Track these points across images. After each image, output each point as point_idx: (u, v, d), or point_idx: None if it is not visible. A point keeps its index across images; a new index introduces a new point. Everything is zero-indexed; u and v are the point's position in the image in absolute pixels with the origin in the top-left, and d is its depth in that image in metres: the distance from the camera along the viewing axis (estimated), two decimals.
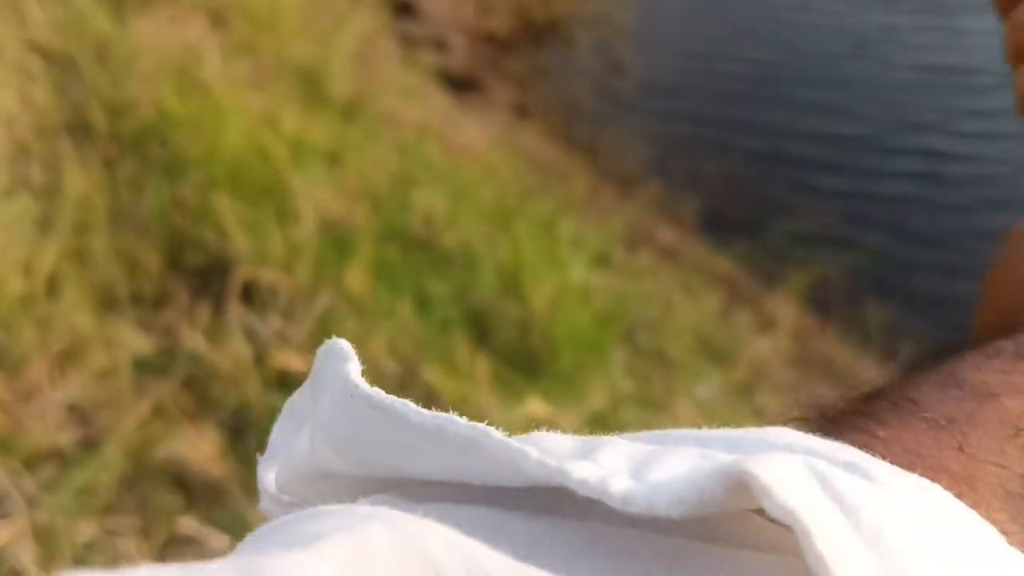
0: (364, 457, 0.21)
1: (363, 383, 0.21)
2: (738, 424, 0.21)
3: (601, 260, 2.57)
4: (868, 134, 3.62)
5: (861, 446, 0.19)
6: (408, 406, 0.20)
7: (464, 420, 0.19)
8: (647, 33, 4.27)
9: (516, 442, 0.18)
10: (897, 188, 3.33)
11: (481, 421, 0.19)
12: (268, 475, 0.24)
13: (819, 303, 2.61)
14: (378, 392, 0.20)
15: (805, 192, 3.20)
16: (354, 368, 0.21)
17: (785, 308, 2.47)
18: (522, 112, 3.62)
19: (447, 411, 0.19)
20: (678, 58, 4.08)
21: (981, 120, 3.56)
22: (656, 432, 0.21)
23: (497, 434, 0.18)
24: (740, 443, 0.19)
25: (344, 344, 0.22)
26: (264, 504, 0.24)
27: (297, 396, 0.24)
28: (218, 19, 3.04)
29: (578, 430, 0.21)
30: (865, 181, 3.34)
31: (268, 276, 2.01)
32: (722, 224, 2.98)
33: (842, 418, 0.24)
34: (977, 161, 3.45)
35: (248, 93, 2.67)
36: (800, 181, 3.31)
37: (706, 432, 0.20)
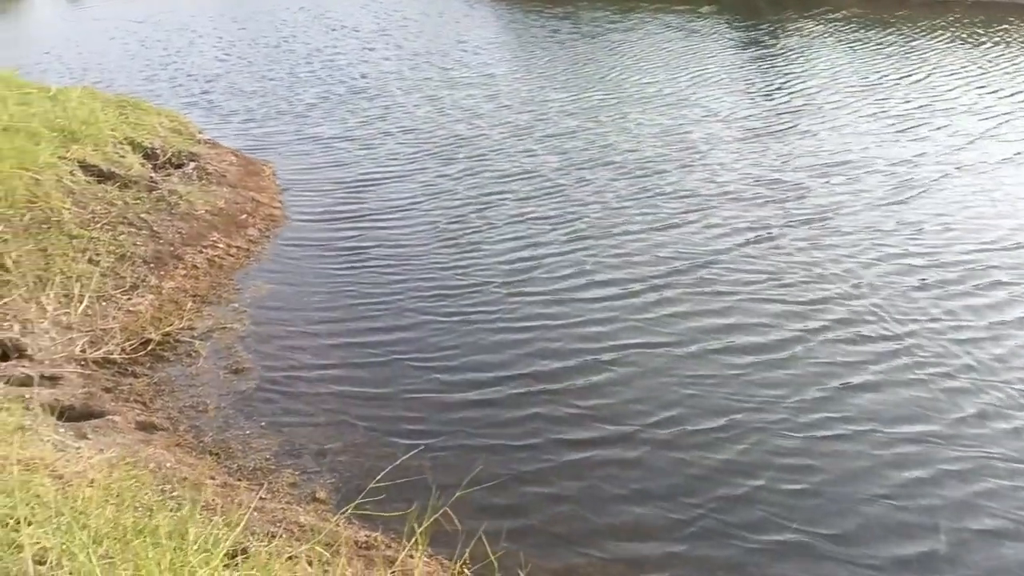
0: None
1: None
2: None
3: (236, 554, 2.59)
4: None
5: None
6: None
7: None
8: (263, 334, 4.56)
9: None
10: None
11: None
12: None
13: (445, 546, 2.86)
14: None
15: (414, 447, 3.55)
16: None
17: (416, 558, 2.65)
18: (149, 428, 3.63)
19: None
20: (293, 353, 4.41)
21: None
22: None
23: None
24: None
25: None
26: None
27: None
28: None
29: None
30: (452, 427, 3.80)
31: None
32: (354, 494, 3.17)
33: None
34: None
35: None
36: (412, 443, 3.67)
37: None
